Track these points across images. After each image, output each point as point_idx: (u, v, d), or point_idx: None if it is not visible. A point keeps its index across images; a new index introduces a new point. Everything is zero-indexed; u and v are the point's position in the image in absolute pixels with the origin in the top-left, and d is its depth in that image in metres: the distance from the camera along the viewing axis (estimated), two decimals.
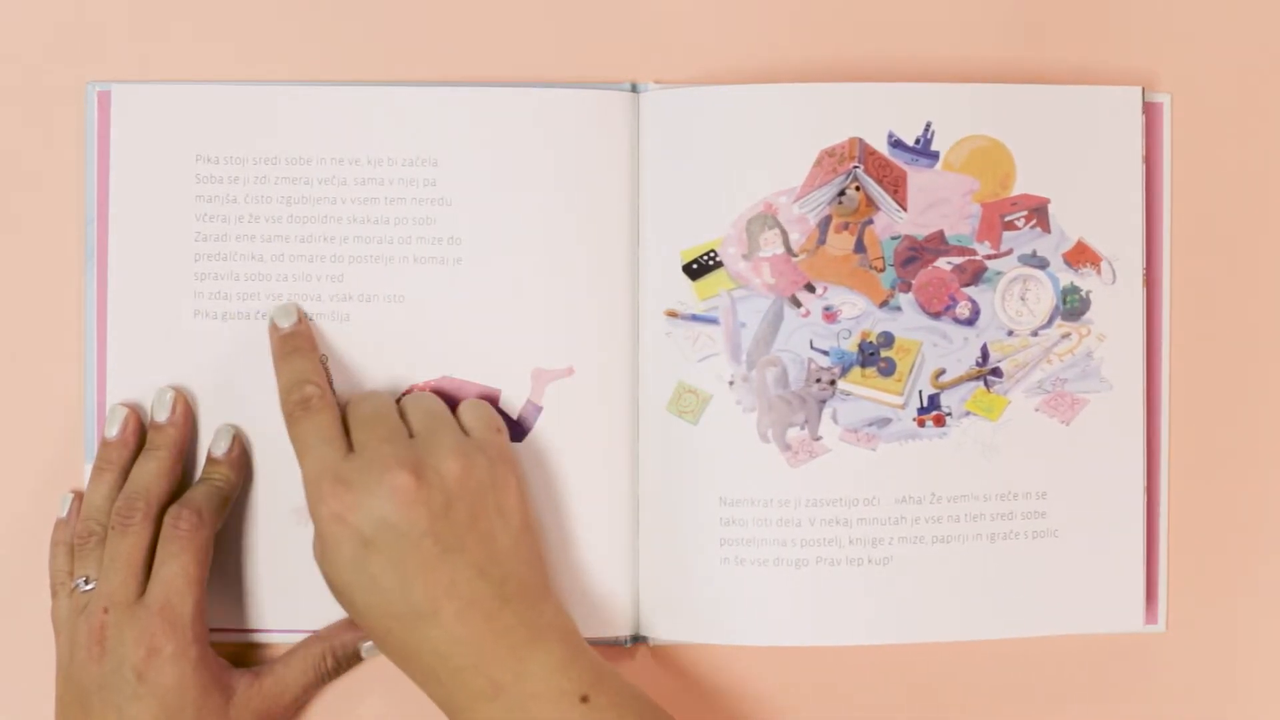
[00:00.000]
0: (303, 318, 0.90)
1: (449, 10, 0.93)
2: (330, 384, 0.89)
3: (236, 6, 0.93)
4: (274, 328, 0.90)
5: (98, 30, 0.93)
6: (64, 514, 0.91)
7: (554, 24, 0.93)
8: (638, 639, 0.92)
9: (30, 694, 0.92)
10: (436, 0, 0.93)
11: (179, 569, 0.86)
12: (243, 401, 0.91)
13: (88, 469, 0.91)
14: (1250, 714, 0.94)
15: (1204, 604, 0.94)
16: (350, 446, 0.85)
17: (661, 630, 0.91)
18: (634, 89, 0.92)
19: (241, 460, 0.91)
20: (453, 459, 0.84)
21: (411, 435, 0.86)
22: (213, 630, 0.89)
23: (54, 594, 0.89)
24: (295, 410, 0.86)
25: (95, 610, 0.86)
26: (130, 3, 0.93)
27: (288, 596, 0.91)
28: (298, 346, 0.89)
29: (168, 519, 0.87)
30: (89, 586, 0.87)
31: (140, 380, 0.91)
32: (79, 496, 0.91)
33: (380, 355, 0.91)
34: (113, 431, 0.90)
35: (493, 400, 0.91)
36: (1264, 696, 0.94)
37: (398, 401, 0.88)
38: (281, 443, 0.90)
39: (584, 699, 0.83)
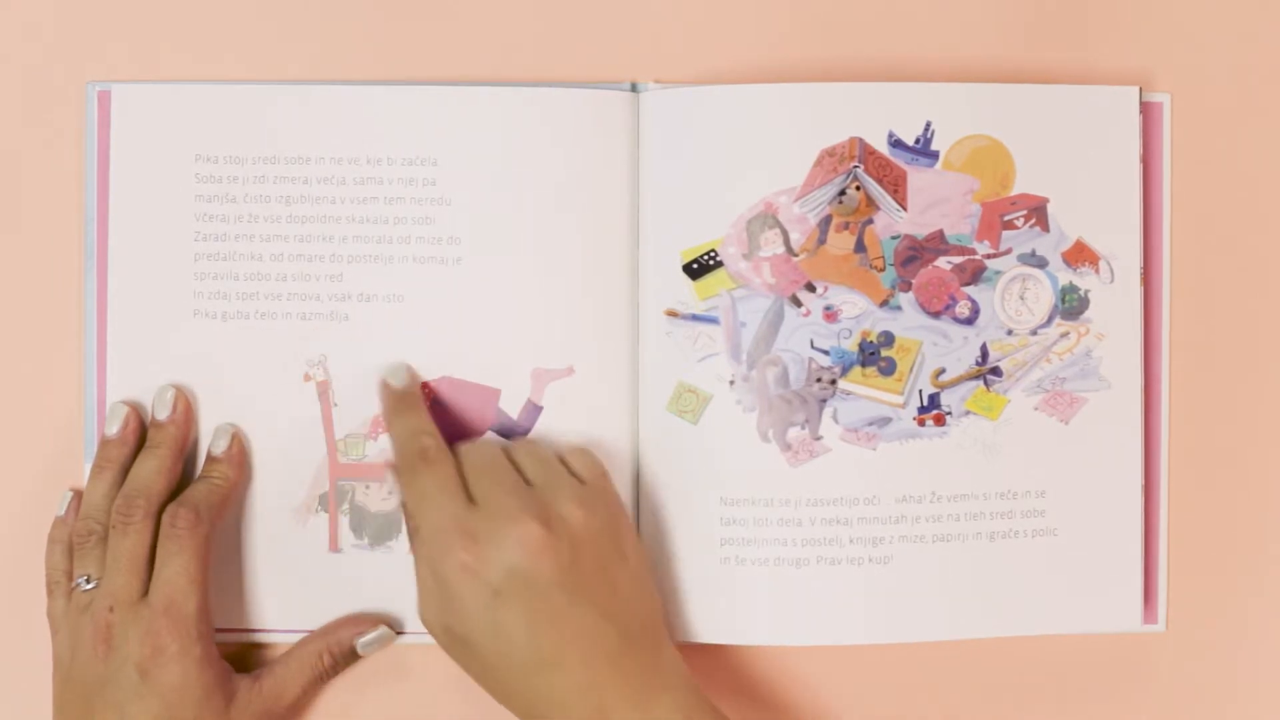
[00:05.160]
0: (414, 376, 0.90)
1: (448, 10, 0.93)
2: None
3: (236, 7, 0.93)
4: (385, 386, 0.90)
5: (97, 30, 0.93)
6: (62, 512, 0.91)
7: (554, 24, 0.93)
8: None
9: (30, 694, 0.92)
10: (436, 0, 0.93)
11: (180, 568, 0.86)
12: (242, 401, 0.91)
13: (87, 468, 0.91)
14: (1250, 714, 0.95)
15: (1204, 604, 0.94)
16: (470, 498, 0.85)
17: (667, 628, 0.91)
18: (634, 89, 0.92)
19: (241, 458, 0.91)
20: (576, 506, 0.84)
21: (528, 483, 0.85)
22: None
23: (50, 592, 0.89)
24: (414, 462, 0.86)
25: (100, 609, 0.86)
26: (130, 3, 0.93)
27: (287, 596, 0.91)
28: (411, 404, 0.89)
29: (165, 518, 0.88)
30: (90, 585, 0.87)
31: (140, 380, 0.91)
32: (78, 495, 0.91)
33: (380, 355, 0.91)
34: (113, 430, 0.90)
35: (492, 400, 0.91)
36: (1265, 696, 0.95)
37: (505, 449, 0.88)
38: (281, 441, 0.91)
39: None
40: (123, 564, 0.87)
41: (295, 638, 0.91)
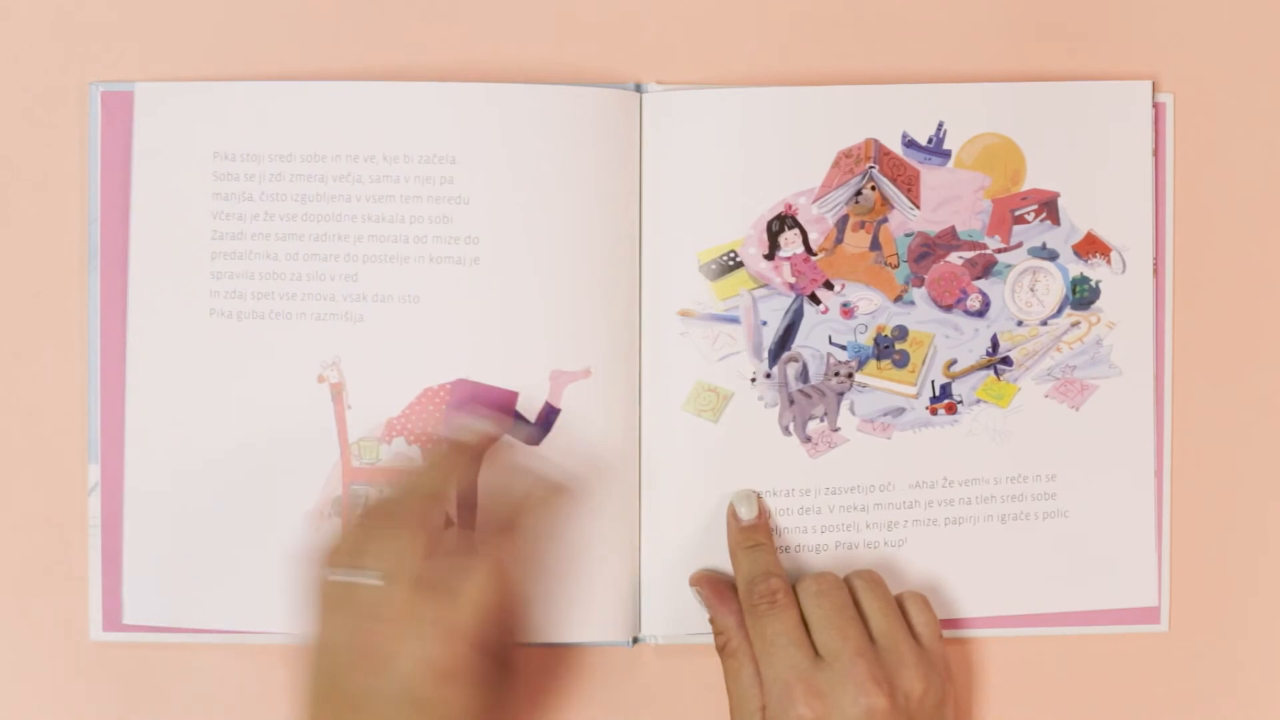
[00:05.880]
0: (763, 510, 0.91)
1: (464, 7, 0.93)
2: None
3: (244, 6, 0.93)
4: (733, 515, 0.90)
5: (101, 29, 0.92)
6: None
7: (569, 24, 0.93)
8: (638, 640, 0.93)
9: (28, 693, 0.92)
10: None
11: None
12: (256, 401, 0.91)
13: (92, 469, 0.91)
14: (1252, 713, 0.95)
15: (1206, 604, 0.95)
16: (815, 648, 0.85)
17: (671, 628, 0.93)
18: (638, 89, 0.92)
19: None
20: (918, 680, 0.85)
21: (867, 629, 0.86)
22: (222, 630, 0.91)
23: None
24: (761, 604, 0.86)
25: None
26: (138, 2, 0.92)
27: (300, 600, 0.90)
28: (760, 541, 0.89)
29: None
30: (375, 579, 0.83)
31: (156, 378, 0.91)
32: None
33: (395, 357, 0.90)
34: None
35: (509, 403, 0.91)
36: (1266, 696, 0.95)
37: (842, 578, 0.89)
38: (294, 443, 0.91)
39: None
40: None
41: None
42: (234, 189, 0.90)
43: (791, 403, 0.92)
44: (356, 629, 0.80)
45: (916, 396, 0.92)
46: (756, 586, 0.87)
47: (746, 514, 0.90)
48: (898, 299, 0.92)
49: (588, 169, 0.90)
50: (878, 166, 0.91)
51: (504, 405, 0.91)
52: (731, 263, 0.91)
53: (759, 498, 0.91)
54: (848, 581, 0.89)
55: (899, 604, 0.89)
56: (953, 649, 0.92)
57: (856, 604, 0.87)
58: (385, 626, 0.79)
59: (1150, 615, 0.94)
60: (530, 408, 0.91)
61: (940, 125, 0.92)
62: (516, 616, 0.87)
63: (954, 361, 0.93)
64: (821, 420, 0.92)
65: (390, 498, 0.84)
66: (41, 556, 0.92)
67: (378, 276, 0.90)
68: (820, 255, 0.92)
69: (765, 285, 0.92)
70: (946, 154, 0.92)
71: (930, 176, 0.92)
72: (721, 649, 0.88)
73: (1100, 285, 0.93)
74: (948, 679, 0.87)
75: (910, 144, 0.92)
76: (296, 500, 0.91)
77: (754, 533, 0.90)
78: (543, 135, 0.90)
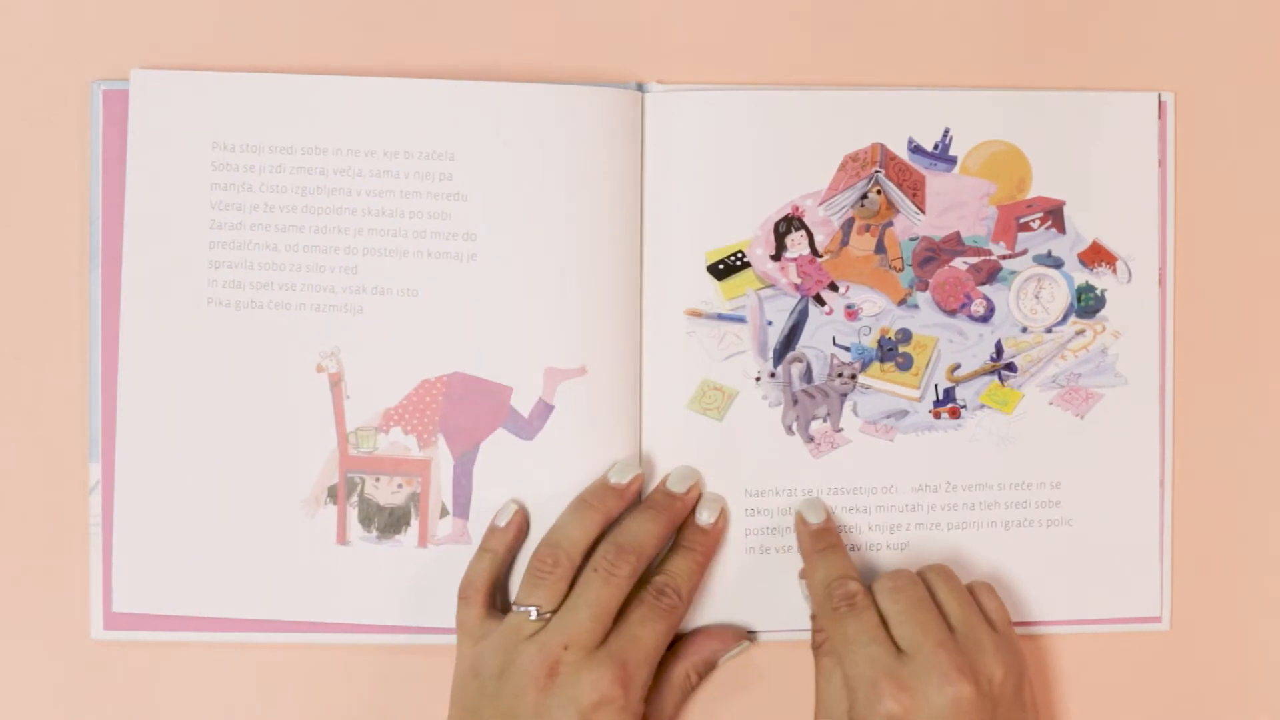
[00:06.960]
0: (829, 513, 0.91)
1: (464, 6, 0.93)
2: None
3: (249, 5, 0.93)
4: (802, 522, 0.91)
5: (102, 28, 0.92)
6: (502, 524, 0.90)
7: (568, 24, 0.93)
8: None
9: (28, 692, 0.92)
10: None
11: (652, 636, 0.87)
12: (254, 390, 0.91)
13: (93, 468, 0.91)
14: (1253, 711, 0.96)
15: (1207, 602, 0.95)
16: (896, 643, 0.86)
17: (689, 621, 0.93)
18: (639, 88, 0.92)
19: (721, 533, 0.92)
20: (998, 665, 0.85)
21: (947, 620, 0.87)
22: (222, 621, 0.91)
23: (465, 599, 0.89)
24: (841, 607, 0.87)
25: (553, 644, 0.86)
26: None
27: (294, 588, 0.91)
28: (831, 543, 0.90)
29: (652, 589, 0.88)
30: (536, 617, 0.87)
31: (153, 367, 0.91)
32: (521, 510, 0.91)
33: (392, 349, 0.91)
34: (622, 479, 0.90)
35: (503, 398, 0.91)
36: (1268, 694, 0.96)
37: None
38: (291, 432, 0.91)
39: None
40: (594, 610, 0.87)
41: (302, 635, 0.92)
42: (233, 179, 0.91)
43: (795, 402, 0.92)
44: None
45: (919, 399, 0.93)
46: (834, 591, 0.88)
47: (815, 518, 0.91)
48: (902, 302, 0.93)
49: (586, 168, 0.91)
50: (884, 171, 0.92)
51: (498, 400, 0.91)
52: (739, 263, 0.92)
53: (824, 505, 0.92)
54: (920, 576, 0.89)
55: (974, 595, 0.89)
56: None
57: (931, 597, 0.88)
58: (566, 655, 0.86)
59: (1140, 638, 0.95)
60: (524, 403, 0.91)
61: (946, 131, 0.92)
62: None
63: (958, 366, 0.93)
64: (824, 420, 0.92)
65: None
66: (42, 556, 0.92)
67: (377, 269, 0.91)
68: (826, 257, 0.92)
69: (771, 285, 0.92)
70: (952, 160, 0.92)
71: (936, 182, 0.93)
72: (819, 646, 0.89)
73: (1106, 294, 0.94)
74: (1023, 660, 0.88)
75: (916, 149, 0.92)
76: (292, 488, 0.92)
77: (825, 535, 0.91)
78: (540, 134, 0.91)
